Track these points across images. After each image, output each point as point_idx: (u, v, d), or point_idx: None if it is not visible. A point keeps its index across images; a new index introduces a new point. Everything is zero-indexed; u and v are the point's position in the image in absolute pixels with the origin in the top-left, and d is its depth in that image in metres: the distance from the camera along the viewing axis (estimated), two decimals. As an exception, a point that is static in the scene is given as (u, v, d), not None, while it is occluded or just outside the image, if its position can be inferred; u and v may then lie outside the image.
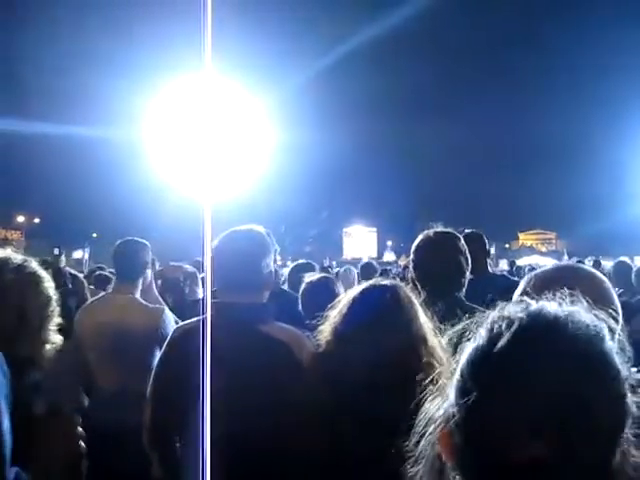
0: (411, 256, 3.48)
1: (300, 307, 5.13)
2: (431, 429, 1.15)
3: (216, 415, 1.81)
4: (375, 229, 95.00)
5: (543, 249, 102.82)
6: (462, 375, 1.09)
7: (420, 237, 3.49)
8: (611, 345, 1.07)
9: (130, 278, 4.82)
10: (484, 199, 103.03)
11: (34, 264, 2.62)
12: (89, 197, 60.09)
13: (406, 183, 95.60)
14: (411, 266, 3.47)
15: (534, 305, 1.12)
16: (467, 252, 3.46)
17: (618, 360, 1.06)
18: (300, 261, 7.32)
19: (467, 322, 1.18)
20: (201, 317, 3.17)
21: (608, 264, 13.98)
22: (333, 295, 4.84)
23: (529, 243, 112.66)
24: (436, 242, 3.44)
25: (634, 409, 1.06)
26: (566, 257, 33.33)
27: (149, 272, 5.02)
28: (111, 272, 7.82)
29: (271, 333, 3.10)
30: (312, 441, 2.53)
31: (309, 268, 6.68)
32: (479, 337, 1.10)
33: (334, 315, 2.82)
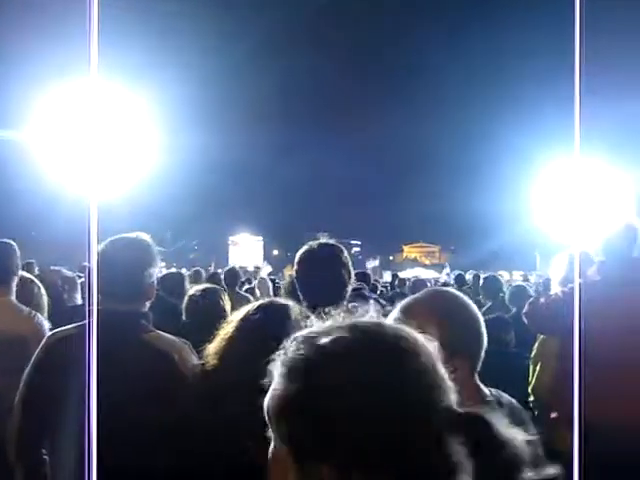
0: (294, 267, 3.50)
1: (184, 318, 5.08)
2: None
3: (98, 424, 1.78)
4: (261, 238, 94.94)
5: (426, 262, 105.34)
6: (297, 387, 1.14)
7: (303, 249, 3.49)
8: (427, 350, 1.17)
9: (4, 281, 4.66)
10: (370, 211, 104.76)
11: None
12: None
13: (294, 193, 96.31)
14: (294, 278, 3.49)
15: (355, 319, 1.20)
16: (350, 265, 3.49)
17: (439, 365, 1.16)
18: (171, 270, 7.22)
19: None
20: (79, 324, 3.11)
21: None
22: (219, 308, 4.81)
23: (413, 256, 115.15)
24: (318, 254, 3.44)
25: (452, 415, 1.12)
26: (448, 270, 34.22)
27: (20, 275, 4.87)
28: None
29: (152, 342, 3.06)
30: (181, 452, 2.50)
31: (178, 277, 6.61)
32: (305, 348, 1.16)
33: (223, 334, 2.78)
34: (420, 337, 1.19)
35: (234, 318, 2.80)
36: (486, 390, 2.12)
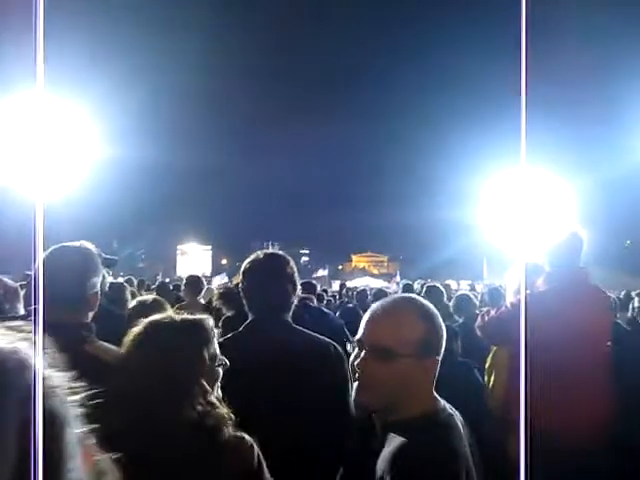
0: (240, 277, 3.47)
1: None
2: None
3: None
4: (210, 247, 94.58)
5: (375, 271, 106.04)
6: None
7: (249, 259, 3.46)
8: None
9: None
10: (320, 221, 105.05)
11: None
12: None
13: (243, 202, 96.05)
14: (240, 287, 3.46)
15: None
16: (296, 275, 3.47)
17: None
18: (113, 280, 7.07)
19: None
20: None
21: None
22: None
23: (362, 265, 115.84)
24: (263, 265, 3.42)
25: None
26: (398, 278, 34.49)
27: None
28: None
29: (95, 353, 3.00)
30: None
31: (120, 287, 6.49)
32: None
33: None
34: None
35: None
36: (440, 399, 2.14)
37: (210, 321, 2.44)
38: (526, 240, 3.98)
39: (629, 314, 5.72)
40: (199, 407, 2.14)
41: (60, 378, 1.12)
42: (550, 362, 3.09)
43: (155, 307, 4.93)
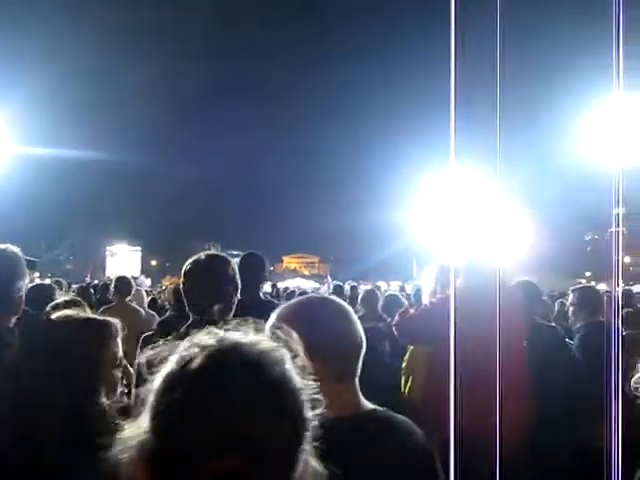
0: (181, 279, 3.45)
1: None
2: (126, 455, 1.17)
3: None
4: (139, 248, 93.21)
5: (306, 272, 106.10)
6: (154, 400, 1.14)
7: (190, 260, 3.45)
8: (291, 366, 1.19)
9: None
10: (251, 222, 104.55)
11: None
12: None
13: (173, 203, 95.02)
14: (182, 289, 3.44)
15: (221, 334, 1.21)
16: (237, 277, 3.47)
17: (298, 380, 1.18)
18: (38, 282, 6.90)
19: (162, 348, 1.22)
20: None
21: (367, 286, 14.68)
22: None
23: (293, 266, 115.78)
24: (204, 267, 3.40)
25: (313, 423, 1.18)
26: (329, 279, 34.66)
27: None
28: None
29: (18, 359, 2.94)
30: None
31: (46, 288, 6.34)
32: (171, 362, 1.17)
33: None
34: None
35: None
36: (363, 399, 2.07)
37: (115, 323, 2.35)
38: (453, 242, 4.05)
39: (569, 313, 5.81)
40: (87, 410, 2.07)
41: None
42: (467, 362, 3.14)
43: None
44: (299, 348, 1.27)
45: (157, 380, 1.16)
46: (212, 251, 3.70)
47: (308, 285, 41.31)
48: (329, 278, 38.95)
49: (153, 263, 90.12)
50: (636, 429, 2.15)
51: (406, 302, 7.39)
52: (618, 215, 1.85)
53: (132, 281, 8.55)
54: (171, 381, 1.14)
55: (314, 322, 1.94)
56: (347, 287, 14.97)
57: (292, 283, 39.23)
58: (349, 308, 2.13)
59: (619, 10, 1.63)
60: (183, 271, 3.45)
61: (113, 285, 8.68)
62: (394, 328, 4.60)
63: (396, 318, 4.54)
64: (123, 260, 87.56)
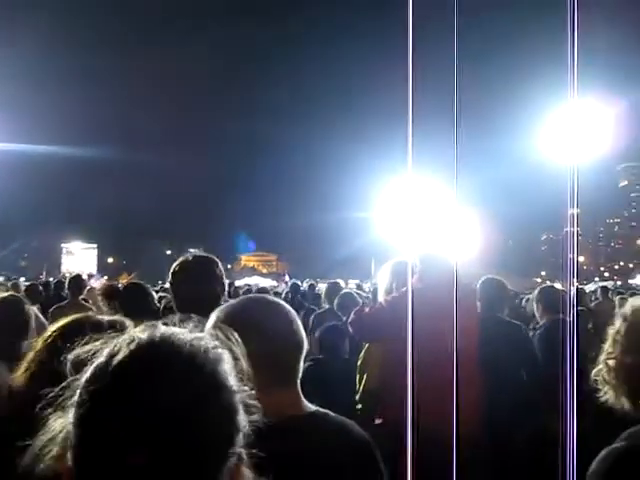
0: (169, 279, 3.46)
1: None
2: (54, 450, 1.16)
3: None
4: (95, 245, 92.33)
5: (264, 270, 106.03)
6: (80, 390, 1.12)
7: (179, 261, 3.45)
8: (227, 367, 1.17)
9: None
10: (209, 219, 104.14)
11: None
12: None
13: (129, 200, 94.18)
14: (170, 290, 3.46)
15: (157, 328, 1.18)
16: (223, 277, 3.48)
17: (233, 381, 1.16)
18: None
19: (96, 342, 1.21)
20: None
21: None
22: (17, 320, 4.50)
23: (251, 264, 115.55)
24: (193, 267, 3.42)
25: (246, 428, 1.15)
26: (287, 278, 34.74)
27: None
28: None
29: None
30: None
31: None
32: (101, 355, 1.14)
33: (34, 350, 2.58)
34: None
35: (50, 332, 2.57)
36: (304, 401, 2.00)
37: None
38: (410, 241, 4.10)
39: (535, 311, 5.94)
40: None
41: None
42: (423, 358, 3.18)
43: (9, 308, 4.70)
44: (239, 351, 1.25)
45: (86, 372, 1.14)
46: (199, 252, 3.70)
47: (266, 283, 41.28)
48: (287, 276, 38.97)
49: (110, 261, 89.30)
50: (593, 421, 2.20)
51: (361, 300, 7.39)
52: (573, 215, 1.90)
53: (85, 279, 8.51)
54: (97, 370, 1.12)
55: (251, 323, 1.88)
56: (306, 285, 15.00)
57: (250, 281, 39.16)
58: (289, 308, 2.07)
59: (574, 16, 1.68)
60: (171, 271, 3.46)
61: (67, 283, 8.62)
62: (349, 326, 4.62)
63: (352, 316, 4.56)
64: (79, 258, 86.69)
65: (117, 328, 2.21)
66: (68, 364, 1.19)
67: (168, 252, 79.83)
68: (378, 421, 4.19)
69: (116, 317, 2.32)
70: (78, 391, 1.11)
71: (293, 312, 2.06)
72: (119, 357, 1.10)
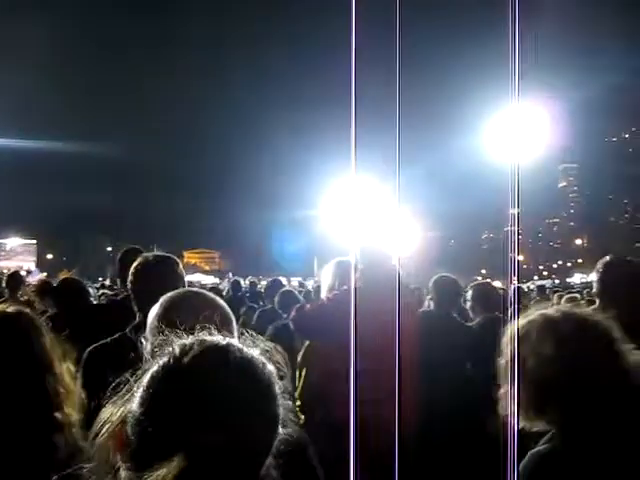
0: (130, 278, 3.40)
1: None
2: (105, 429, 1.28)
3: None
4: (35, 241, 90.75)
5: (207, 267, 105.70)
6: (150, 385, 1.26)
7: (139, 261, 3.40)
8: (279, 382, 1.32)
9: None
10: (152, 216, 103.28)
11: None
12: None
13: (71, 195, 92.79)
14: (130, 289, 3.39)
15: (210, 336, 1.35)
16: (184, 276, 3.46)
17: (280, 395, 1.31)
18: None
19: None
20: None
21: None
22: None
23: (193, 261, 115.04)
24: (155, 266, 3.37)
25: (282, 436, 1.30)
26: (230, 275, 34.75)
27: None
28: None
29: None
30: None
31: None
32: (167, 355, 1.29)
33: None
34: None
35: None
36: None
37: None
38: (354, 240, 4.10)
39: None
40: None
41: None
42: (365, 355, 3.20)
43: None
44: (285, 371, 1.38)
45: (154, 367, 1.28)
46: (158, 252, 3.66)
47: (208, 280, 41.09)
48: (230, 274, 38.90)
49: (49, 257, 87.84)
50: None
51: (302, 298, 7.40)
52: (514, 215, 1.92)
53: (21, 275, 8.38)
54: (169, 366, 1.26)
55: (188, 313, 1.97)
56: (247, 282, 14.97)
57: (192, 278, 38.91)
58: (222, 303, 2.22)
59: (516, 18, 1.69)
60: (132, 271, 3.40)
61: (5, 280, 8.48)
62: (291, 323, 4.61)
63: (292, 313, 4.55)
64: (18, 254, 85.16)
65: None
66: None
67: (109, 249, 78.96)
68: (318, 419, 4.19)
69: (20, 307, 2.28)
70: (146, 385, 1.26)
71: (226, 307, 2.19)
72: (193, 352, 1.27)
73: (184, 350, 1.29)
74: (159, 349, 1.33)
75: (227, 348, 1.31)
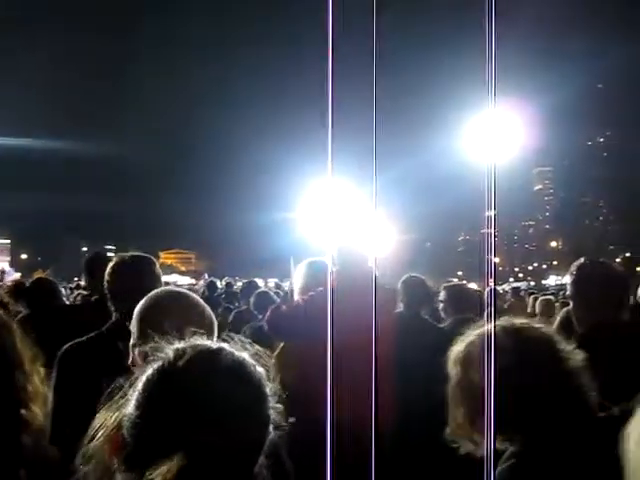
0: (106, 278, 3.37)
1: None
2: (101, 433, 1.35)
3: None
4: (9, 241, 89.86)
5: (183, 268, 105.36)
6: (146, 388, 1.34)
7: (115, 261, 3.38)
8: (269, 384, 1.43)
9: None
10: (128, 216, 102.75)
11: None
12: None
13: (46, 194, 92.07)
14: (106, 289, 3.36)
15: (202, 341, 1.44)
16: (161, 276, 3.45)
17: (271, 396, 1.42)
18: None
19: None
20: None
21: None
22: None
23: (169, 262, 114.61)
24: (133, 266, 3.35)
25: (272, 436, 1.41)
26: (206, 276, 34.68)
27: None
28: None
29: None
30: None
31: None
32: (161, 359, 1.37)
33: None
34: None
35: None
36: None
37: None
38: (330, 241, 4.11)
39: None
40: None
41: None
42: (341, 357, 3.20)
43: None
44: (273, 374, 1.49)
45: (148, 371, 1.36)
46: (134, 252, 3.64)
47: (184, 281, 40.93)
48: (206, 275, 38.82)
49: (23, 256, 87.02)
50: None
51: (277, 299, 7.38)
52: (490, 217, 1.92)
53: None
54: (165, 370, 1.34)
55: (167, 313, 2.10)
56: (222, 284, 14.94)
57: (168, 279, 38.74)
58: (201, 302, 2.31)
59: (492, 21, 1.70)
60: (108, 271, 3.38)
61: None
62: (265, 324, 4.59)
63: (267, 314, 4.54)
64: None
65: None
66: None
67: (84, 249, 78.40)
68: (292, 419, 4.19)
69: None
70: (141, 389, 1.33)
71: (206, 307, 2.30)
72: (187, 356, 1.35)
73: (178, 354, 1.36)
74: (152, 354, 1.40)
75: (219, 352, 1.39)
